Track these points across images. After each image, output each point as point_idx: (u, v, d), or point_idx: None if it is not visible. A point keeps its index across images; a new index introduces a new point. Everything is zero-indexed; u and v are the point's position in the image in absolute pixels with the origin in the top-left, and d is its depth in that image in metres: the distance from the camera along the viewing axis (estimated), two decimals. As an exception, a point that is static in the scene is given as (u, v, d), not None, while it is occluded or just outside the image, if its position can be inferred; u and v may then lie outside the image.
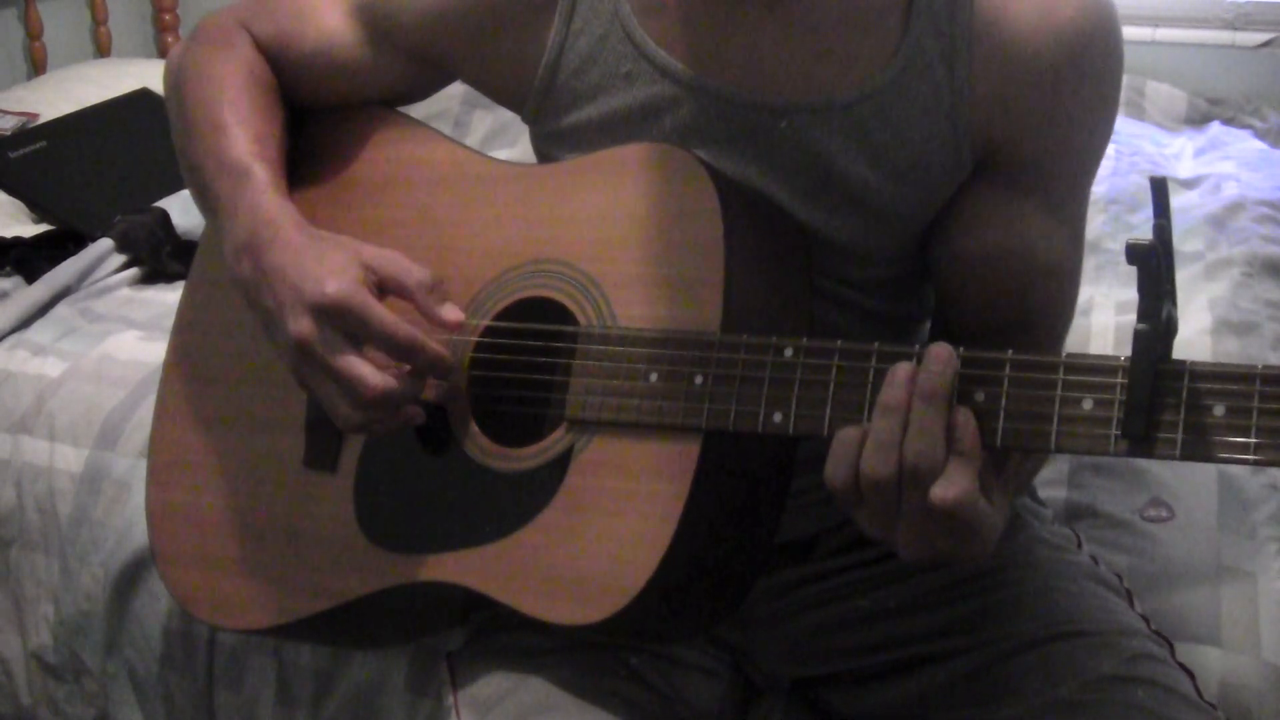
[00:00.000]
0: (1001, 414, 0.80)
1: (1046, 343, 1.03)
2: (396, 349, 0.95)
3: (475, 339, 1.01)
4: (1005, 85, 0.95)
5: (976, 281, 1.00)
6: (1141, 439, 0.76)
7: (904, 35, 0.96)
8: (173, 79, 1.15)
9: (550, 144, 1.08)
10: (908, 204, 0.99)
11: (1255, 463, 0.74)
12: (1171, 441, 0.76)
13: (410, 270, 0.97)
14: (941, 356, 0.80)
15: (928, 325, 1.16)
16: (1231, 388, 0.75)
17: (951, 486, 0.78)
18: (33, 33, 2.74)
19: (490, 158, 1.10)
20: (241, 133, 1.06)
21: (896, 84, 0.96)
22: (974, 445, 0.79)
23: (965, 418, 0.79)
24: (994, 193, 0.99)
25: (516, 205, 1.03)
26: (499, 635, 1.07)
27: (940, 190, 1.00)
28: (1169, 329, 0.77)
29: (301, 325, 0.94)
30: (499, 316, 1.01)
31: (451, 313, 0.97)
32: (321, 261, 0.96)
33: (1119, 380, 0.78)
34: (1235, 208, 1.95)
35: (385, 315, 0.94)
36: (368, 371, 0.93)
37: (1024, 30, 0.94)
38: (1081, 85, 0.96)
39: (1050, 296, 1.02)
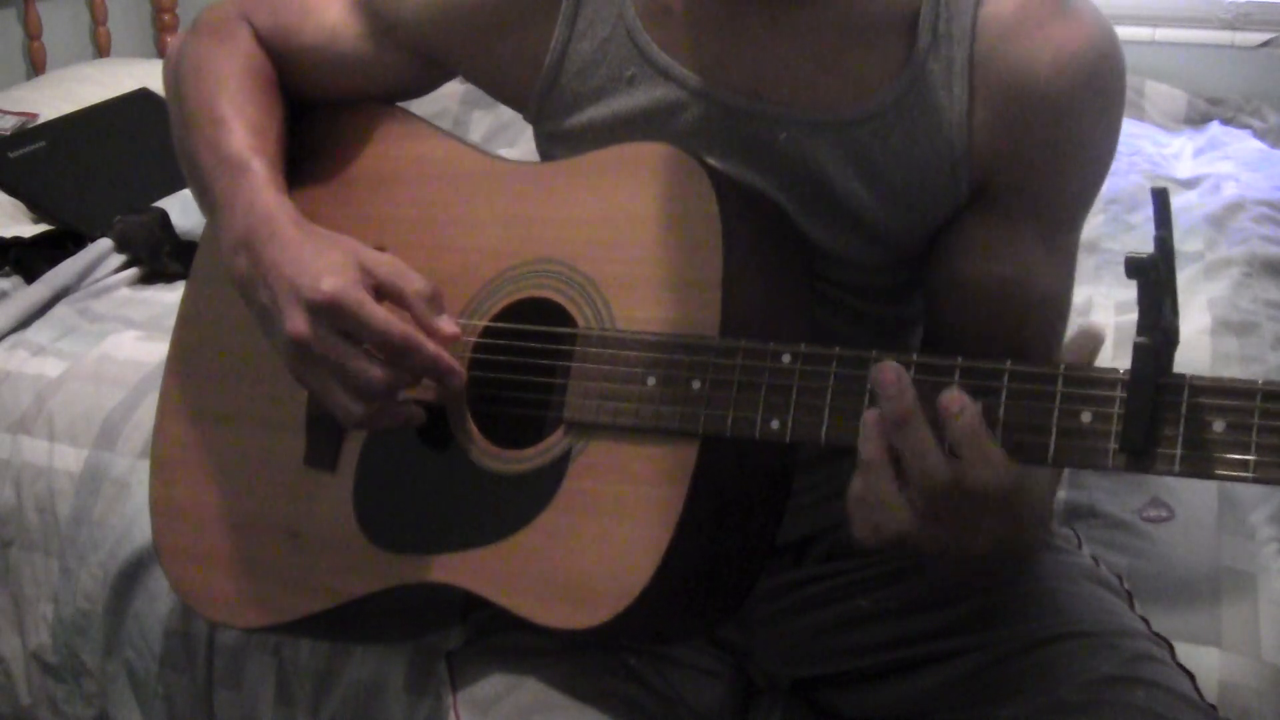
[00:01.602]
0: (1000, 424, 0.79)
1: None
2: (392, 348, 0.94)
3: (474, 339, 1.01)
4: (1007, 113, 0.95)
5: (973, 309, 0.99)
6: (1140, 454, 0.75)
7: (907, 57, 0.96)
8: (172, 71, 1.14)
9: (552, 144, 1.08)
10: (901, 223, 0.99)
11: (1254, 481, 0.73)
12: (1170, 457, 0.75)
13: (411, 278, 0.96)
14: (889, 380, 0.78)
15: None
16: (1232, 403, 0.74)
17: (978, 476, 0.77)
18: (32, 33, 2.74)
19: (491, 155, 1.09)
20: (240, 126, 1.06)
21: (897, 106, 0.96)
22: (967, 429, 0.78)
23: (946, 406, 0.78)
24: (995, 221, 0.98)
25: (516, 204, 1.03)
26: (498, 635, 1.07)
27: (935, 213, 0.99)
28: (1169, 342, 0.76)
29: (297, 323, 0.94)
30: (497, 317, 1.01)
31: (448, 325, 0.96)
32: (318, 259, 0.95)
33: (1118, 394, 0.77)
34: (1235, 208, 1.95)
35: (380, 314, 0.94)
36: (366, 363, 0.93)
37: (1028, 59, 0.93)
38: (1085, 116, 0.95)
39: (1044, 327, 1.01)
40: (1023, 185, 0.97)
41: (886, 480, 0.79)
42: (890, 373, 0.79)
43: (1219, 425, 0.74)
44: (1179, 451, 0.75)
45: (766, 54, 0.97)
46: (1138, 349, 0.75)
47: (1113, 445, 0.77)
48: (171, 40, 3.06)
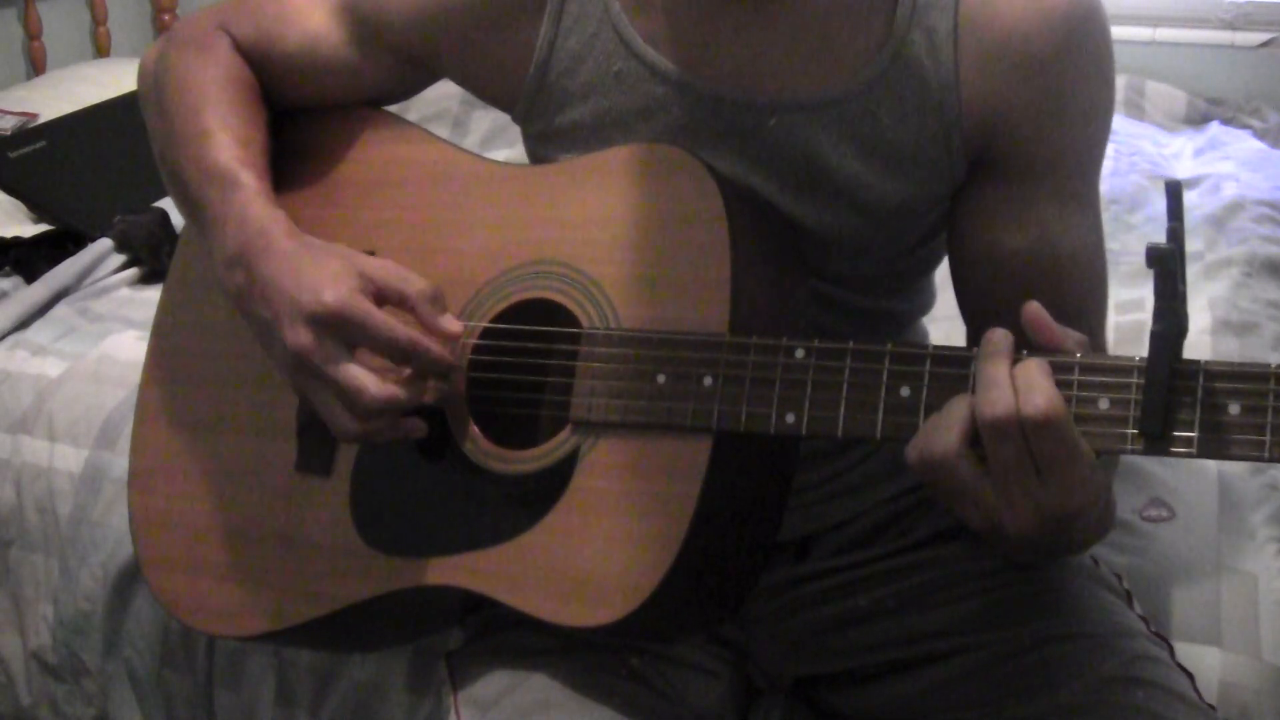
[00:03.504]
0: None
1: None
2: (398, 351, 0.94)
3: (474, 341, 1.00)
4: (996, 78, 0.96)
5: (1006, 284, 0.99)
6: (1158, 438, 0.77)
7: (890, 31, 0.96)
8: (150, 83, 1.13)
9: (542, 144, 1.08)
10: (898, 198, 0.99)
11: (1270, 460, 0.75)
12: (1188, 440, 0.77)
13: (411, 279, 0.96)
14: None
15: (920, 322, 1.16)
16: (1246, 387, 0.76)
17: (1036, 397, 0.77)
18: (32, 33, 2.74)
19: (483, 158, 1.09)
20: (226, 139, 1.05)
21: (883, 79, 0.96)
22: (1035, 382, 0.78)
23: (1024, 373, 0.79)
24: (1006, 187, 0.99)
25: (513, 206, 1.03)
26: (498, 635, 1.07)
27: (933, 185, 1.00)
28: (1182, 329, 0.78)
29: (299, 336, 0.93)
30: (497, 319, 1.00)
31: (452, 323, 0.96)
32: (317, 270, 0.95)
33: (1135, 380, 0.79)
34: (1234, 208, 1.95)
35: (384, 318, 0.93)
36: (369, 381, 0.93)
37: (1011, 21, 0.95)
38: (1075, 70, 0.96)
39: (1081, 287, 1.01)
40: (1023, 146, 0.98)
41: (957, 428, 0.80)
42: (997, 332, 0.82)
43: (1234, 408, 0.76)
44: (1196, 435, 0.77)
45: (751, 41, 0.98)
46: (1154, 336, 0.77)
47: (1131, 430, 0.78)
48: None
